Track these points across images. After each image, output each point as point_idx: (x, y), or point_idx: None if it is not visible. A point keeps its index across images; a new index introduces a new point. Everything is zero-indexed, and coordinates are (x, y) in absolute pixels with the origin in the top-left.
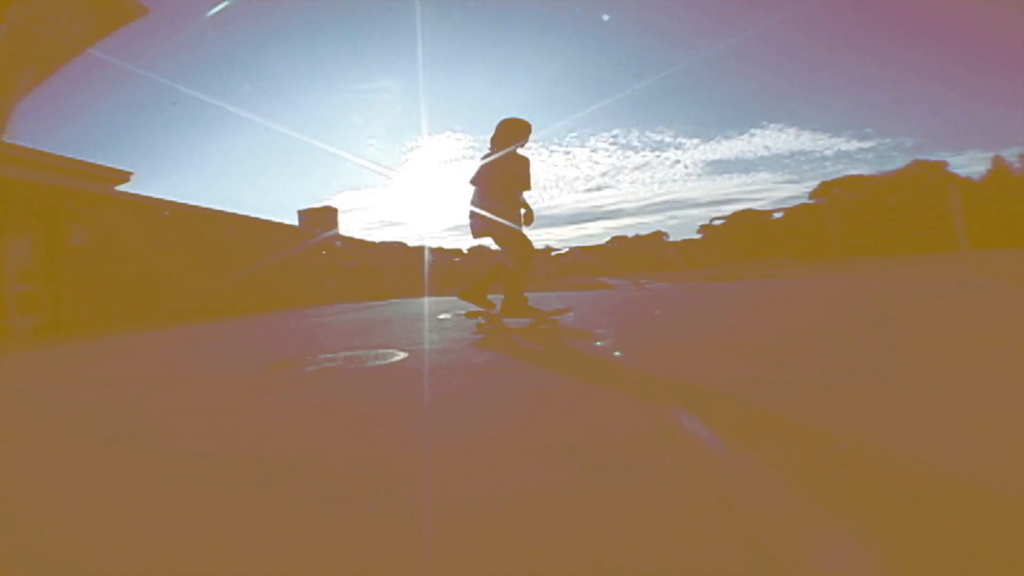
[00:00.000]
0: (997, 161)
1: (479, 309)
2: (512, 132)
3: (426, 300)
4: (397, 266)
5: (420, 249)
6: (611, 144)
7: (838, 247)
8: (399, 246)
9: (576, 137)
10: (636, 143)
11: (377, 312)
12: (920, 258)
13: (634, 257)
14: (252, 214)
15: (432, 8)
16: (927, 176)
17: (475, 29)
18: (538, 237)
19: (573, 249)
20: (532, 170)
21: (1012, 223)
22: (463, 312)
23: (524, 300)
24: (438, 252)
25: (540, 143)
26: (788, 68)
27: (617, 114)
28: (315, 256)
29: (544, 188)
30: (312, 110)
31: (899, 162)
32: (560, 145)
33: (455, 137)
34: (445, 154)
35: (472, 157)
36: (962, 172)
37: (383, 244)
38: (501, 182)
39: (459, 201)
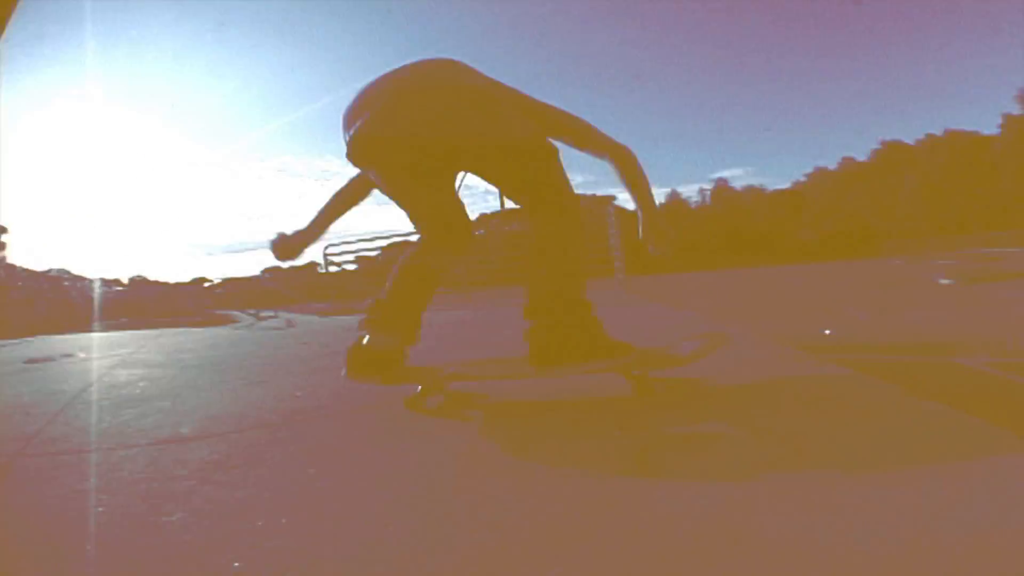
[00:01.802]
0: (674, 195)
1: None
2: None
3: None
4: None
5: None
6: (279, 171)
7: (500, 274)
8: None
9: (246, 160)
10: (303, 171)
11: None
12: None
13: (287, 289)
14: None
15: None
16: (593, 208)
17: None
18: (191, 269)
19: (226, 281)
20: None
21: (680, 251)
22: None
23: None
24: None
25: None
26: None
27: (294, 135)
28: None
29: (208, 215)
30: None
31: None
32: (229, 170)
33: None
34: None
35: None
36: (631, 205)
37: None
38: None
39: None
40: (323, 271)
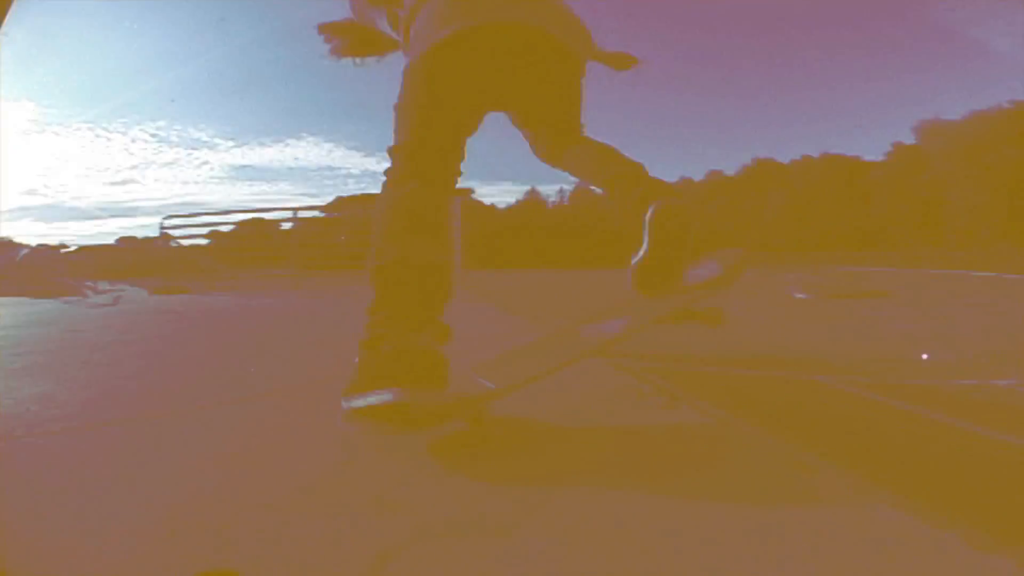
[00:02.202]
0: (532, 194)
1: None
2: None
3: None
4: None
5: None
6: (152, 136)
7: (348, 259)
8: None
9: (124, 123)
10: (175, 138)
11: None
12: None
13: (139, 262)
14: None
15: None
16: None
17: None
18: (52, 232)
19: (81, 249)
20: None
21: (535, 246)
22: None
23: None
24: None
25: (89, 124)
26: (337, 81)
27: (164, 104)
28: None
29: (75, 177)
30: None
31: None
32: (106, 129)
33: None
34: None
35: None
36: (491, 201)
37: None
38: None
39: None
40: (174, 245)
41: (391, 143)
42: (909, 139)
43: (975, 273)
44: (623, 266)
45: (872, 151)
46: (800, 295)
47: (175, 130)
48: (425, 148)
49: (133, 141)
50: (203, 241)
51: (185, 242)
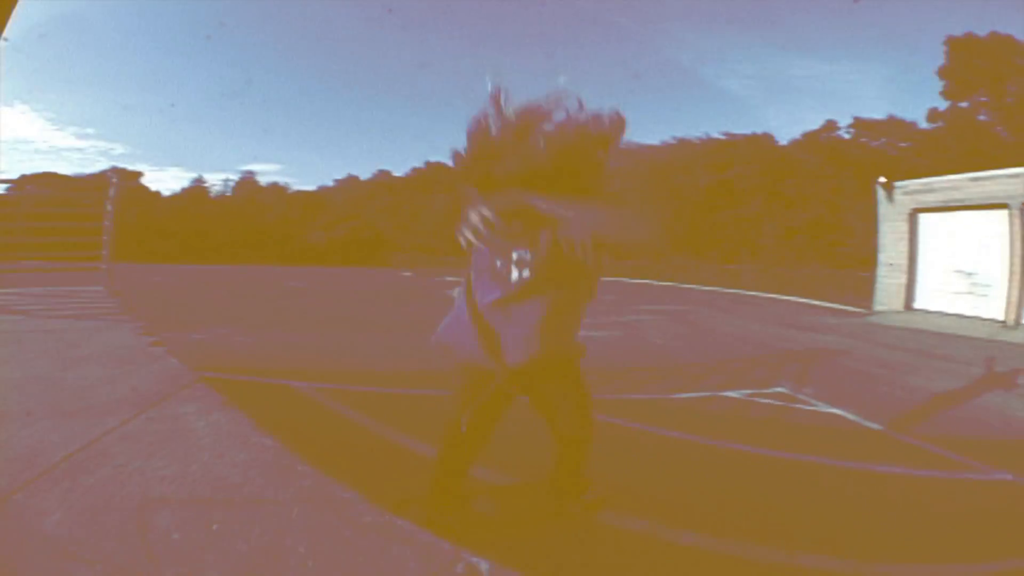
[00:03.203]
0: (198, 182)
1: None
2: None
3: None
4: None
5: None
6: None
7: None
8: None
9: None
10: None
11: None
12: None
13: None
14: None
15: None
16: (123, 183)
17: None
18: None
19: None
20: None
21: (193, 239)
22: None
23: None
24: None
25: None
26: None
27: None
28: None
29: None
30: None
31: (101, 166)
32: None
33: None
34: None
35: None
36: (156, 187)
37: None
38: None
39: None
40: None
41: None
42: None
43: (650, 282)
44: (278, 263)
45: None
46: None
47: None
48: None
49: None
50: None
51: None
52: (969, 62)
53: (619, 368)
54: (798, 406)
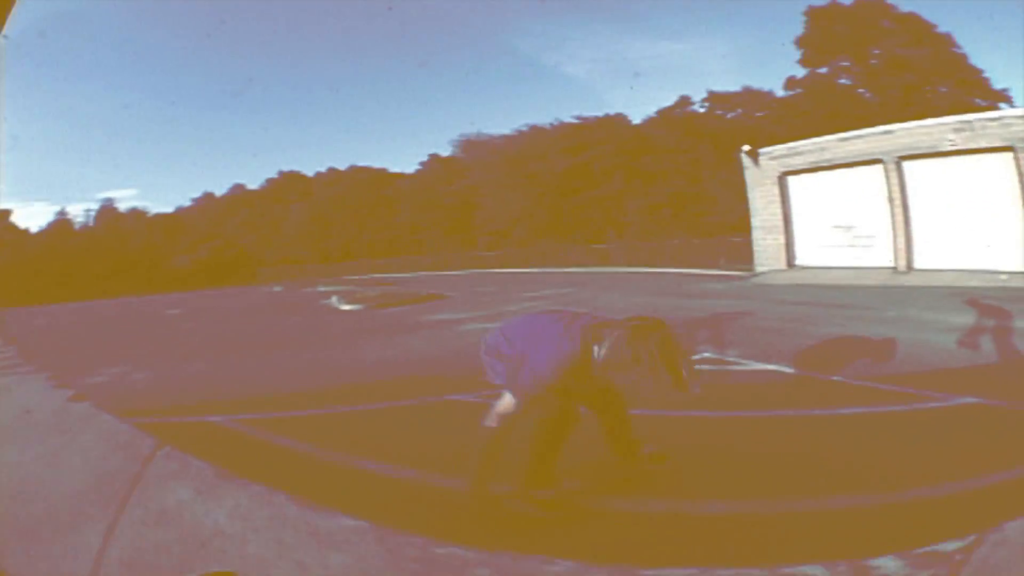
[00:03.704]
0: (61, 215)
1: None
2: None
3: None
4: None
5: None
6: None
7: None
8: None
9: None
10: None
11: None
12: None
13: None
14: None
15: None
16: None
17: None
18: None
19: None
20: None
21: (68, 278)
22: None
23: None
24: None
25: None
26: None
27: None
28: None
29: None
30: None
31: None
32: None
33: None
34: None
35: None
36: (25, 223)
37: None
38: None
39: None
40: None
41: None
42: (446, 151)
43: (522, 271)
44: (151, 292)
45: (403, 163)
46: (348, 307)
47: None
48: None
49: None
50: None
51: None
52: (830, 29)
53: None
54: (732, 368)
